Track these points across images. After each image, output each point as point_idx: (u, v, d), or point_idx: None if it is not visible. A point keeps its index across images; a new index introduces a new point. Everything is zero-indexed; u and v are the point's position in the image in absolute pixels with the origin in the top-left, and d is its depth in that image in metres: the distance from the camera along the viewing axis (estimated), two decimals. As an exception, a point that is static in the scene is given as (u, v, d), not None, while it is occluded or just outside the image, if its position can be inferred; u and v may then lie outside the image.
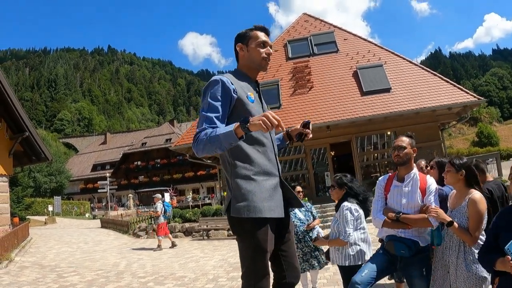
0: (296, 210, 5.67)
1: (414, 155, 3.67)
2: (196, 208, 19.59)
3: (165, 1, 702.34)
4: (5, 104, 16.01)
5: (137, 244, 16.62)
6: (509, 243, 2.46)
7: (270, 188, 2.53)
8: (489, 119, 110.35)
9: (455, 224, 3.22)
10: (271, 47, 2.82)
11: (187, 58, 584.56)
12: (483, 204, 3.23)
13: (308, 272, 5.80)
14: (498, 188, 4.43)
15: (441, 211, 3.28)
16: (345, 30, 24.14)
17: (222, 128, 2.35)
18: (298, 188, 6.10)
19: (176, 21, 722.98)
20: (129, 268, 10.62)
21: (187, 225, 17.89)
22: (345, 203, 4.27)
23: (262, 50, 2.74)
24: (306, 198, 6.05)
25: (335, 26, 24.59)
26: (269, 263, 2.59)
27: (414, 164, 3.73)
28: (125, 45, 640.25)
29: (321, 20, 25.81)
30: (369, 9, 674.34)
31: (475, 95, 18.06)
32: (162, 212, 14.48)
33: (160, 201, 14.84)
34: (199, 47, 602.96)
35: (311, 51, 22.22)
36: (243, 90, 2.62)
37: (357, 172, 18.62)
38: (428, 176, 3.68)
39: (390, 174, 3.89)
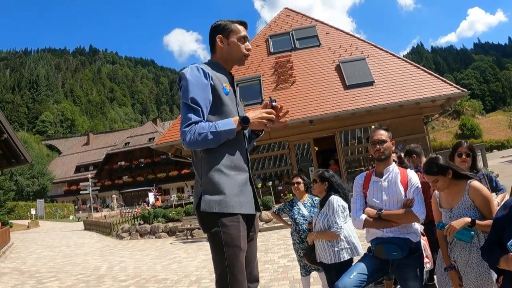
0: (300, 205, 5.19)
1: (393, 148, 3.44)
2: (179, 207, 19.27)
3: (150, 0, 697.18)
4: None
5: (119, 246, 16.33)
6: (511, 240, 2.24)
7: (241, 183, 2.48)
8: (471, 112, 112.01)
9: (477, 220, 2.95)
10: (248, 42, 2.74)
11: (172, 55, 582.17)
12: (485, 188, 3.07)
13: (313, 274, 5.31)
14: None
15: (455, 222, 2.97)
16: (327, 24, 23.98)
17: (221, 124, 2.37)
18: (297, 179, 5.28)
19: (162, 18, 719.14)
20: (110, 272, 10.36)
21: (170, 224, 17.55)
22: (334, 196, 4.13)
23: (242, 45, 2.67)
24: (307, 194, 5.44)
25: (316, 20, 24.43)
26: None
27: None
28: (107, 45, 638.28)
29: (303, 15, 25.65)
30: (354, 4, 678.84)
31: (458, 87, 18.02)
32: None
33: None
34: (185, 44, 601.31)
35: (293, 46, 22.03)
36: (219, 81, 2.55)
37: (341, 166, 18.49)
38: (408, 170, 3.44)
39: (368, 172, 3.60)
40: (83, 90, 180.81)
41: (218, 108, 2.49)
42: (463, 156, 4.07)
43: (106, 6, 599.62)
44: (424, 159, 4.89)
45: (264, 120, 2.47)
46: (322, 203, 4.28)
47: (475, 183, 3.07)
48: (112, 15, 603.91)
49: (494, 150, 60.21)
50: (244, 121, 2.40)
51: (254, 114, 2.47)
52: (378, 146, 3.31)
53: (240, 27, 2.67)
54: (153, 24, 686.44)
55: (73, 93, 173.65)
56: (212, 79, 2.48)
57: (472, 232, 2.94)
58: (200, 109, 2.37)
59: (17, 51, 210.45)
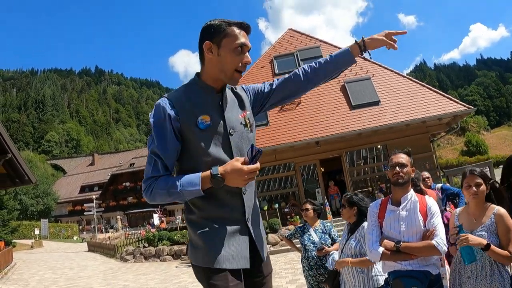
0: (312, 232, 5.09)
1: (412, 175, 3.26)
2: (184, 230, 19.07)
3: (155, 22, 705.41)
4: (-14, 125, 15.53)
5: (123, 269, 16.12)
6: None
7: (226, 236, 2.07)
8: (476, 128, 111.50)
9: (492, 246, 2.87)
10: (248, 50, 2.10)
11: (177, 76, 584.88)
12: (510, 218, 2.99)
13: None
14: None
15: (472, 236, 2.89)
16: (331, 44, 23.96)
17: (185, 183, 1.95)
18: (306, 206, 5.22)
19: (168, 39, 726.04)
20: (113, 297, 10.17)
21: (175, 247, 17.37)
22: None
23: (238, 57, 2.04)
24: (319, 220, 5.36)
25: (321, 41, 24.46)
26: None
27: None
28: (113, 66, 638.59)
29: (307, 35, 25.69)
30: (357, 24, 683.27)
31: (464, 104, 17.93)
32: None
33: None
34: (190, 65, 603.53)
35: (298, 66, 21.97)
36: (193, 114, 2.04)
37: (348, 187, 18.31)
38: (427, 197, 3.24)
39: (383, 199, 3.43)
40: (89, 111, 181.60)
41: (191, 153, 2.07)
42: None
43: (111, 27, 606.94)
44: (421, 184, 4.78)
45: (243, 180, 1.91)
46: (353, 228, 4.16)
47: (503, 210, 3.02)
48: (117, 36, 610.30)
49: (501, 166, 59.75)
50: (216, 178, 1.90)
51: (232, 168, 1.92)
52: (397, 169, 3.15)
53: (239, 32, 2.04)
54: (159, 45, 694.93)
55: (79, 114, 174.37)
56: (178, 119, 2.02)
57: (475, 259, 2.89)
58: (160, 161, 2.01)
59: (23, 71, 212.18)
